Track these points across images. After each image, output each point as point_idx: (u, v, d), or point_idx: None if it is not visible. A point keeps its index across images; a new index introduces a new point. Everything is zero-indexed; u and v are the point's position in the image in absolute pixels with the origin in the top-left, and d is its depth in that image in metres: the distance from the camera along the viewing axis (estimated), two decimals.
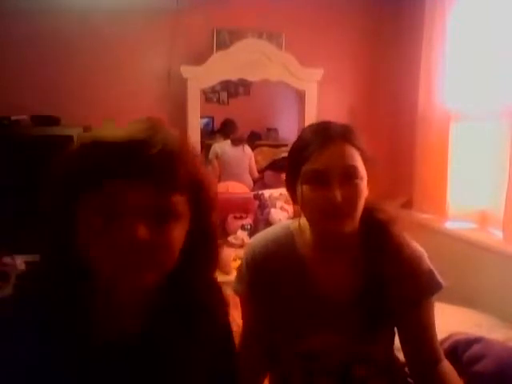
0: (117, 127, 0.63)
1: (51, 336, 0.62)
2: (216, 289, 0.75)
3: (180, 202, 0.61)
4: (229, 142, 2.94)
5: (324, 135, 0.93)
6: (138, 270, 0.59)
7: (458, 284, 2.07)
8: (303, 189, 0.93)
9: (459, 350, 1.34)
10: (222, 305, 0.76)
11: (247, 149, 2.98)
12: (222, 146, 2.95)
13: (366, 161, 0.94)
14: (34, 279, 0.68)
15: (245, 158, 2.99)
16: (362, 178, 0.92)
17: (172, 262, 0.63)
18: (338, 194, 0.88)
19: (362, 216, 0.96)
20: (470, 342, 1.35)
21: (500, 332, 1.57)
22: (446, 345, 1.35)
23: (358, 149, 0.93)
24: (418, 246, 1.01)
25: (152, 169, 0.58)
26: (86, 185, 0.58)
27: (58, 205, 0.61)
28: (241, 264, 1.04)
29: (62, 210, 0.60)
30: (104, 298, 0.64)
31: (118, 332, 0.65)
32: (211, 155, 2.91)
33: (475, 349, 1.32)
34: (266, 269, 1.00)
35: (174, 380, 0.68)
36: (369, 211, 0.98)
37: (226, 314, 0.78)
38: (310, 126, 1.00)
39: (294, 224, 1.04)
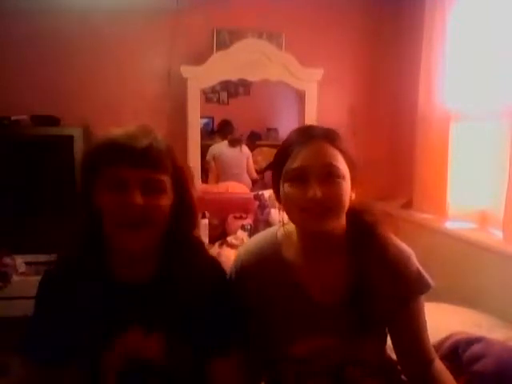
0: (118, 129, 0.90)
1: (84, 283, 0.91)
2: (197, 240, 1.02)
3: (164, 180, 0.88)
4: (226, 142, 2.94)
5: (306, 135, 0.95)
6: (136, 229, 0.85)
7: (458, 284, 2.08)
8: (284, 187, 0.93)
9: (459, 349, 1.34)
10: (204, 251, 1.03)
11: (245, 149, 2.98)
12: (220, 147, 2.95)
13: (349, 163, 0.94)
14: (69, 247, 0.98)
15: (242, 158, 2.99)
16: (343, 178, 0.91)
17: (161, 223, 0.89)
18: (318, 191, 0.88)
19: (349, 218, 0.96)
20: (471, 341, 1.35)
21: (500, 332, 1.56)
22: (447, 345, 1.35)
23: (341, 150, 0.93)
24: (405, 247, 1.01)
25: (142, 158, 0.85)
26: (99, 169, 0.86)
27: (83, 187, 0.90)
28: (229, 275, 1.04)
29: (85, 190, 0.89)
30: (118, 254, 0.91)
31: (133, 277, 0.92)
32: (208, 156, 2.91)
33: (475, 348, 1.32)
34: (252, 278, 1.00)
35: (176, 306, 0.91)
36: (356, 213, 0.98)
37: (208, 258, 1.02)
38: (296, 128, 1.02)
39: (280, 230, 1.04)
